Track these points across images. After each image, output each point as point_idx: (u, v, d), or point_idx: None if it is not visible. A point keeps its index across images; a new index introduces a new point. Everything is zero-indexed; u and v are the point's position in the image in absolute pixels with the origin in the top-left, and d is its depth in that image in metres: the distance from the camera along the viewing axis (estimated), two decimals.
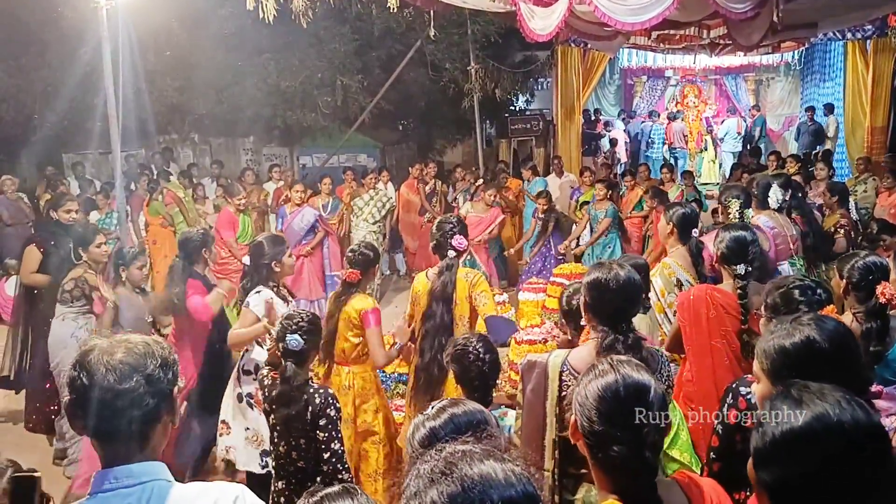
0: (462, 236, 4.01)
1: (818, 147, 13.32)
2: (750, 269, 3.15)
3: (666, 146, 16.22)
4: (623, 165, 15.67)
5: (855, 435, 1.30)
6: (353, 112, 12.69)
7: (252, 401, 4.01)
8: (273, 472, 3.18)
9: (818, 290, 2.48)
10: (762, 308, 2.56)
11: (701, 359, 3.08)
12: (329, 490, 1.55)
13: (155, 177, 10.57)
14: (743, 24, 6.86)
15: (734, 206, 4.69)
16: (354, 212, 9.41)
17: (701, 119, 17.10)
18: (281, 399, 3.02)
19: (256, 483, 3.81)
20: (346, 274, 4.01)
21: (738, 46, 8.64)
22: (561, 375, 2.45)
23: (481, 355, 2.91)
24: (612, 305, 2.44)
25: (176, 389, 1.59)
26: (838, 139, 13.38)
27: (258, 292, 3.98)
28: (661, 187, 8.48)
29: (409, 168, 11.01)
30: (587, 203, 9.21)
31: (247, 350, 4.09)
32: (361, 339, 3.96)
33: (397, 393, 5.20)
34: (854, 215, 7.03)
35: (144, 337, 1.61)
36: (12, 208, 9.31)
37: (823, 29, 10.51)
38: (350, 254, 4.08)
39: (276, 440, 3.09)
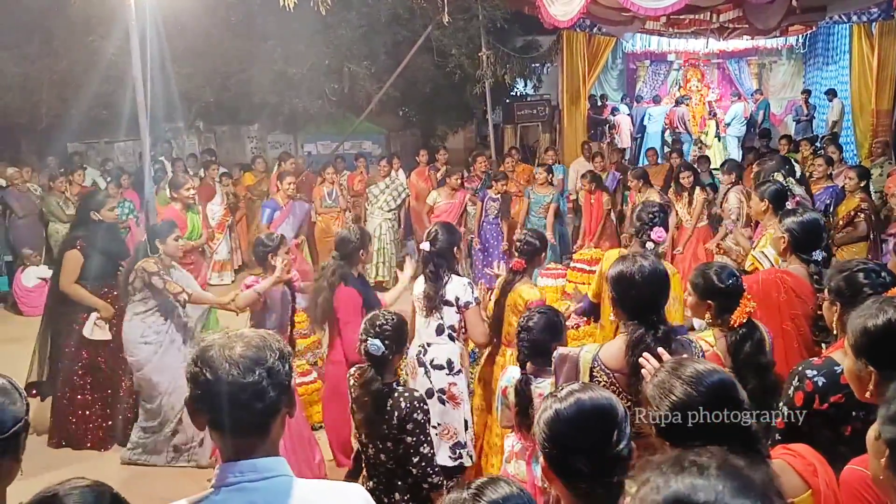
0: (663, 228, 3.95)
1: (808, 133, 13.36)
2: (825, 254, 3.17)
3: (668, 130, 16.22)
4: (627, 151, 15.70)
5: None
6: (360, 99, 12.63)
7: (444, 396, 3.95)
8: (365, 471, 3.16)
9: (882, 273, 2.50)
10: (825, 291, 2.58)
11: (773, 342, 3.10)
12: (482, 480, 1.57)
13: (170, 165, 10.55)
14: (760, 7, 6.85)
15: (780, 179, 4.66)
16: (369, 200, 9.40)
17: (704, 103, 17.09)
18: (358, 402, 2.99)
19: (446, 475, 3.82)
20: (513, 263, 4.04)
21: (754, 30, 8.62)
22: (592, 371, 2.49)
23: (527, 323, 3.20)
24: (640, 299, 2.45)
25: (293, 381, 1.60)
26: (844, 123, 13.40)
27: (467, 285, 3.95)
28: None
29: (416, 156, 10.98)
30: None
31: (428, 344, 4.02)
32: None
33: None
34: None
35: (257, 330, 1.61)
36: (23, 199, 9.27)
37: (832, 12, 10.50)
38: (517, 243, 4.08)
39: (364, 440, 3.06)
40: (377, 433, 2.96)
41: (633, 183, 8.12)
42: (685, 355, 2.37)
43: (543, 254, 4.14)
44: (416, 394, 3.01)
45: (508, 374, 3.33)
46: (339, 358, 4.37)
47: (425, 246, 3.98)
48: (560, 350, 2.71)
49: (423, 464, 2.93)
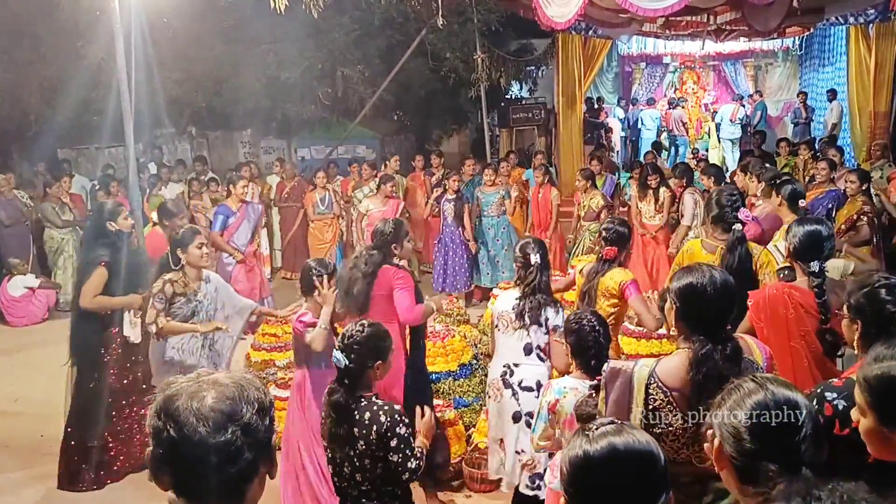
0: (745, 209, 3.96)
1: (805, 135, 13.27)
2: (824, 265, 3.05)
3: (664, 133, 16.13)
4: (619, 154, 15.65)
5: None
6: (353, 103, 12.51)
7: (532, 420, 3.74)
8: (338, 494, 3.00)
9: None
10: (844, 308, 2.44)
11: (780, 360, 2.96)
12: None
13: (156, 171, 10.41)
14: (760, 9, 6.75)
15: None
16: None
17: (700, 105, 17.01)
18: (324, 413, 2.89)
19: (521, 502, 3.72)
20: (604, 251, 4.01)
21: (751, 32, 8.53)
22: (647, 388, 2.29)
23: (596, 327, 3.10)
24: (710, 313, 2.27)
25: (275, 437, 1.39)
26: (842, 125, 13.31)
27: (558, 307, 3.83)
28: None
29: (411, 160, 10.85)
30: None
31: (515, 365, 3.84)
32: (617, 308, 3.95)
33: None
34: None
35: (233, 375, 1.39)
36: (10, 208, 9.08)
37: (830, 13, 10.42)
38: (604, 231, 4.05)
39: (338, 461, 2.89)
40: (346, 448, 2.83)
41: (581, 183, 8.27)
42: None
43: (631, 241, 4.11)
44: (396, 407, 2.87)
45: (558, 385, 3.14)
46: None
47: (536, 258, 3.81)
48: (611, 363, 2.50)
49: (412, 477, 2.85)
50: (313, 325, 3.88)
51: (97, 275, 4.59)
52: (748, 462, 1.52)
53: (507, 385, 3.83)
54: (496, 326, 3.94)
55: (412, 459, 2.80)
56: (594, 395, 2.84)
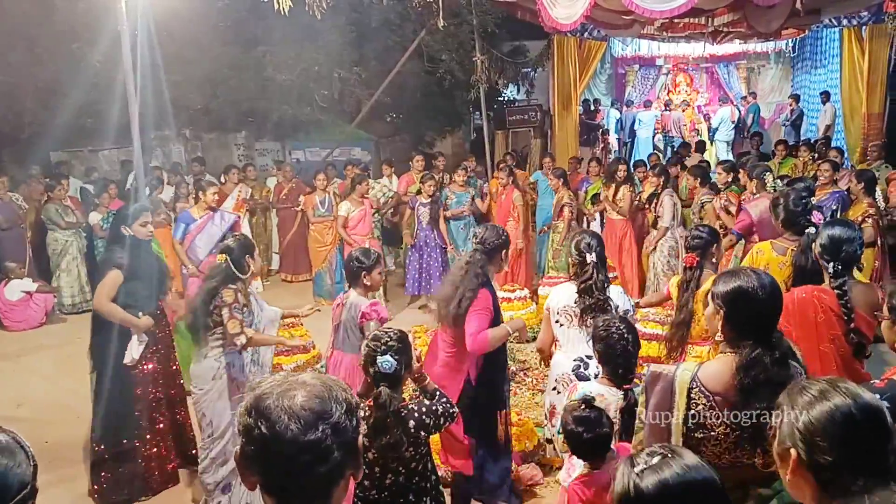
0: (817, 211, 4.00)
1: (799, 137, 13.35)
2: (841, 267, 3.07)
3: (659, 134, 16.21)
4: (616, 154, 15.69)
5: None
6: (349, 105, 12.46)
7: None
8: None
9: None
10: (884, 310, 2.44)
11: (809, 364, 2.95)
12: None
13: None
14: (763, 10, 6.77)
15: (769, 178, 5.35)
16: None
17: (693, 107, 17.09)
18: (377, 426, 2.76)
19: None
20: (685, 259, 4.04)
21: (747, 34, 8.56)
22: (689, 393, 2.26)
23: (625, 334, 3.05)
24: (760, 317, 2.22)
25: (361, 439, 1.39)
26: (836, 126, 13.40)
27: (622, 293, 3.89)
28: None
29: (411, 161, 10.80)
30: (597, 195, 9.14)
31: (589, 357, 3.82)
32: None
33: None
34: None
35: (319, 375, 1.39)
36: (6, 210, 8.96)
37: (826, 15, 10.48)
38: (689, 239, 4.08)
39: (377, 475, 2.82)
40: (390, 461, 2.79)
41: (553, 182, 8.39)
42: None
43: (716, 245, 4.07)
44: (426, 402, 2.92)
45: (582, 389, 3.11)
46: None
47: (592, 257, 3.78)
48: (653, 367, 2.47)
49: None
50: (384, 320, 3.96)
51: (111, 277, 4.44)
52: (828, 469, 1.44)
53: (584, 378, 3.77)
54: (557, 322, 3.91)
55: (451, 408, 2.96)
56: (585, 409, 2.80)
